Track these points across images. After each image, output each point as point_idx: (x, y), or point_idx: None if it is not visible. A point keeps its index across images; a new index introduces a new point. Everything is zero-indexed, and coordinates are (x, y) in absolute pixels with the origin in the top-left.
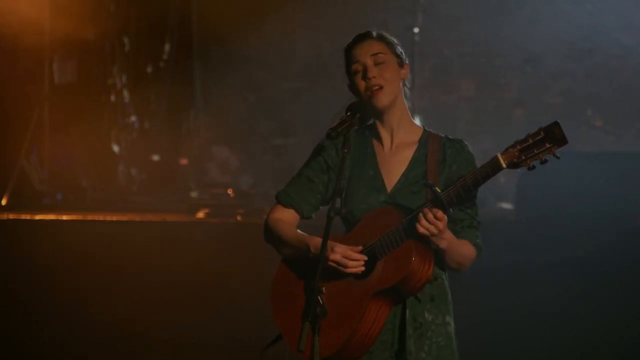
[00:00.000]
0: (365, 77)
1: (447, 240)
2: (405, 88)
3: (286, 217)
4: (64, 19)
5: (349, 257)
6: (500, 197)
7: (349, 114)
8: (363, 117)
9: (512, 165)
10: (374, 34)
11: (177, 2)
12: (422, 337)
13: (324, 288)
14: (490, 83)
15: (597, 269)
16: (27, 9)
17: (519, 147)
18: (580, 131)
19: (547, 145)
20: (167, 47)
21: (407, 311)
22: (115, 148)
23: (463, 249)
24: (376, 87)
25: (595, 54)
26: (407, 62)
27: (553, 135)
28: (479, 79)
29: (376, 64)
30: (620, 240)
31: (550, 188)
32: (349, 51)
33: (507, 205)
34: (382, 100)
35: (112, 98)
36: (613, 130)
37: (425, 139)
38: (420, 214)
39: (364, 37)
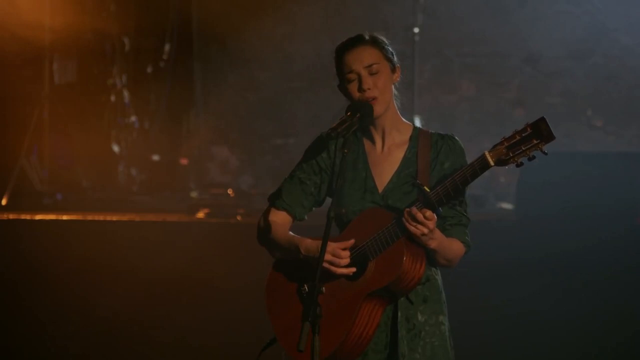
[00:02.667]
0: (360, 88)
1: (438, 240)
2: (394, 89)
3: (279, 219)
4: (64, 19)
5: (337, 255)
6: (500, 197)
7: (349, 114)
8: (363, 117)
9: (500, 162)
10: (367, 37)
11: (177, 2)
12: (415, 338)
13: (324, 288)
14: (490, 83)
15: (597, 268)
16: (27, 9)
17: (506, 144)
18: (580, 131)
19: (535, 142)
20: (167, 47)
21: (399, 313)
22: (115, 148)
23: (452, 247)
24: (371, 99)
25: (595, 54)
26: (398, 64)
27: (540, 131)
28: (479, 79)
29: (371, 74)
30: (620, 240)
31: (550, 188)
32: (341, 56)
33: (507, 205)
34: (377, 110)
35: (112, 98)
36: (613, 130)
37: (416, 136)
38: (410, 214)
39: (356, 42)
